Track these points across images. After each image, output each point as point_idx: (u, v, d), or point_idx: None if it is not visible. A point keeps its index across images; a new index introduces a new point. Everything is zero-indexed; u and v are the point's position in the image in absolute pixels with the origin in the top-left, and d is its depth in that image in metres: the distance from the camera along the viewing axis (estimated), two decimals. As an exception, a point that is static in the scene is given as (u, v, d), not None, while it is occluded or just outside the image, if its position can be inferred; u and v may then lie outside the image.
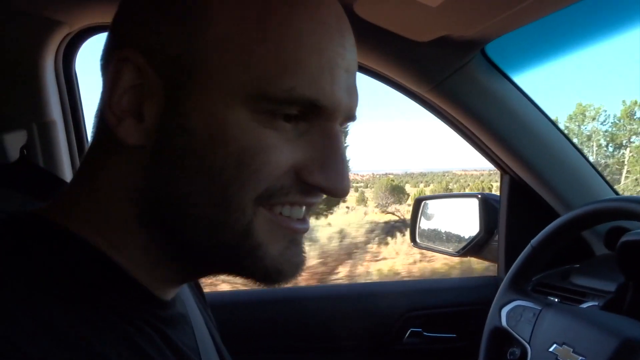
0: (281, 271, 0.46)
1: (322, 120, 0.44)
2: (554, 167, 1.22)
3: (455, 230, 1.65)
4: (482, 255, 1.59)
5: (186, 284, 0.62)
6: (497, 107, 1.16)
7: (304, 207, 0.47)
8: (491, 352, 1.02)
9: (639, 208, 0.82)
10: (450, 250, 1.64)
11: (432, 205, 1.70)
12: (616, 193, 1.28)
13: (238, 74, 0.41)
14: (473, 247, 1.53)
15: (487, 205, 1.48)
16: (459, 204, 1.64)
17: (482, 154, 1.33)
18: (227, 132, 0.41)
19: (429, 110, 1.25)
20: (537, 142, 1.20)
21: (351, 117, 0.48)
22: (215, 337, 0.62)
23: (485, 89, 1.15)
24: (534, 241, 1.00)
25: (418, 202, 1.71)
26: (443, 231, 1.68)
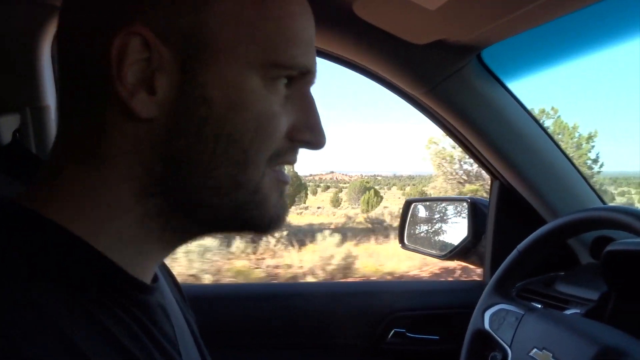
0: (279, 216, 0.52)
1: (303, 85, 0.51)
2: (543, 174, 1.23)
3: (443, 234, 1.66)
4: (468, 260, 1.60)
5: (163, 276, 0.63)
6: (490, 113, 1.17)
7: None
8: (473, 355, 1.03)
9: (624, 218, 0.83)
10: (437, 253, 1.66)
11: (421, 208, 1.71)
12: (603, 202, 1.30)
13: (249, 46, 0.46)
14: (460, 251, 1.55)
15: (476, 209, 1.49)
16: (448, 207, 1.65)
17: (473, 158, 1.34)
18: (245, 99, 0.46)
19: (423, 113, 1.26)
20: (528, 149, 1.21)
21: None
22: (194, 330, 0.63)
23: (480, 94, 1.16)
24: (520, 246, 1.01)
25: (408, 204, 1.72)
26: (431, 234, 1.70)
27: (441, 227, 1.67)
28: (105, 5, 0.45)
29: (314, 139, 0.52)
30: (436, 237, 1.68)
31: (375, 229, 15.49)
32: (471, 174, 19.76)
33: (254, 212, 0.50)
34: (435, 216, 1.69)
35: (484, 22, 0.94)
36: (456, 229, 1.60)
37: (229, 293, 1.44)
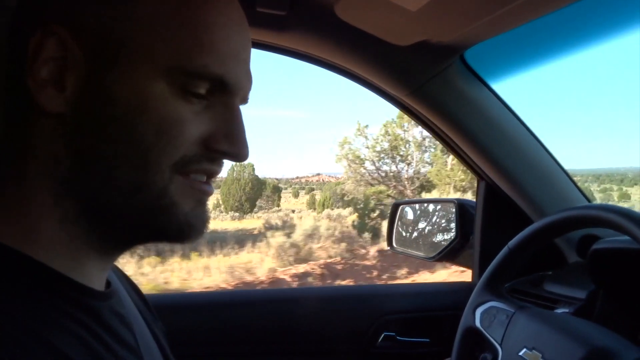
0: (193, 225, 0.51)
1: (225, 96, 0.52)
2: (528, 173, 1.23)
3: (431, 235, 1.65)
4: (457, 261, 1.60)
5: (124, 285, 0.63)
6: (474, 114, 1.17)
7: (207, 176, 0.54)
8: (463, 352, 1.02)
9: (610, 216, 0.83)
10: (425, 255, 1.65)
11: (409, 210, 1.71)
12: (588, 200, 1.30)
13: (160, 51, 0.47)
14: (448, 253, 1.54)
15: (464, 210, 1.49)
16: (436, 209, 1.65)
17: (459, 159, 1.34)
18: (149, 103, 0.47)
19: (407, 115, 1.26)
20: (513, 149, 1.21)
21: (246, 99, 0.56)
22: (160, 339, 0.63)
23: (464, 95, 1.15)
24: (511, 243, 1.00)
25: (395, 207, 1.71)
26: (419, 236, 1.69)
27: (429, 229, 1.67)
28: (26, 4, 0.48)
29: (233, 149, 0.52)
30: (424, 239, 1.67)
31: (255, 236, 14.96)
32: (389, 175, 19.36)
33: (161, 217, 0.50)
34: (424, 218, 1.69)
35: (465, 22, 0.94)
36: (444, 231, 1.59)
37: (211, 300, 1.42)
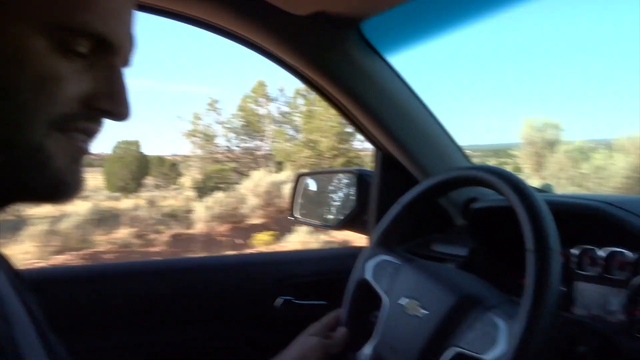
0: (66, 183, 0.51)
1: (107, 56, 0.52)
2: (421, 143, 1.32)
3: (333, 205, 1.72)
4: (357, 229, 1.68)
5: None
6: (370, 86, 1.23)
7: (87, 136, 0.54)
8: (354, 303, 1.08)
9: (483, 175, 0.91)
10: (327, 224, 1.72)
11: (311, 181, 1.76)
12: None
13: (39, 6, 0.47)
14: (349, 221, 1.61)
15: (362, 180, 1.56)
16: (338, 179, 1.71)
17: (357, 130, 1.40)
18: (26, 58, 0.46)
19: (306, 85, 1.29)
20: (407, 120, 1.28)
21: (128, 61, 0.56)
22: (35, 312, 0.61)
23: (360, 67, 1.20)
24: (402, 200, 1.06)
25: (298, 177, 1.76)
26: (321, 206, 1.75)
27: (331, 199, 1.73)
28: None
29: (114, 108, 0.53)
30: (326, 209, 1.74)
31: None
32: (244, 152, 18.82)
33: (32, 173, 0.49)
34: (325, 189, 1.75)
35: (360, -7, 0.98)
36: (345, 200, 1.66)
37: (107, 272, 1.39)
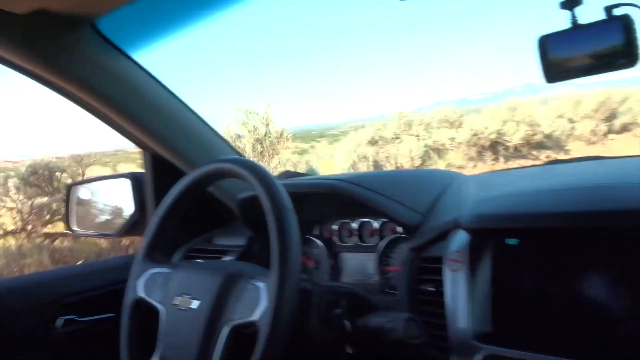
0: None
1: None
2: (182, 137, 1.31)
3: (112, 212, 1.62)
4: (141, 233, 1.61)
5: None
6: (118, 84, 1.17)
7: None
8: (132, 323, 1.04)
9: (229, 166, 0.94)
10: (109, 232, 1.62)
11: (85, 190, 1.64)
12: (237, 153, 1.46)
13: None
14: (131, 227, 1.54)
15: (137, 183, 1.50)
16: (112, 185, 1.62)
17: (119, 132, 1.33)
18: None
19: (51, 89, 1.18)
20: (163, 115, 1.26)
21: None
22: None
23: (102, 66, 1.14)
24: (158, 211, 1.05)
25: (70, 188, 1.62)
26: (100, 215, 1.64)
27: (109, 206, 1.63)
28: None
29: None
30: (106, 217, 1.63)
31: None
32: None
33: None
34: (102, 196, 1.64)
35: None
36: (124, 206, 1.58)
37: None
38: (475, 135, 11.29)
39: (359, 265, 1.26)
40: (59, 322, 1.30)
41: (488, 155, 11.40)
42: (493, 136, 11.26)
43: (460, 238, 0.96)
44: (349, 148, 11.70)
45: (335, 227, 1.29)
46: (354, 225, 1.25)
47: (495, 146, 11.40)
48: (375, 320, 0.96)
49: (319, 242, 1.31)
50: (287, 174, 1.48)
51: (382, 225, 1.21)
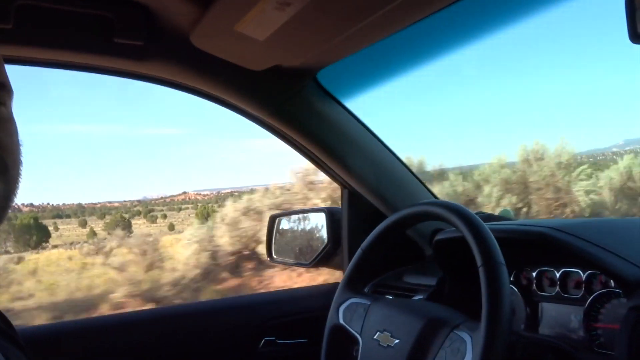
0: None
1: None
2: (382, 178, 1.39)
3: (307, 243, 1.76)
4: (331, 265, 1.72)
5: None
6: (330, 129, 1.30)
7: None
8: (331, 349, 1.12)
9: (439, 210, 0.98)
10: (303, 262, 1.76)
11: (285, 221, 1.81)
12: (435, 197, 1.49)
13: None
14: (322, 258, 1.66)
15: (333, 217, 1.61)
16: (309, 218, 1.76)
17: (322, 170, 1.46)
18: None
19: (271, 133, 1.35)
20: (366, 157, 1.36)
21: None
22: None
23: (319, 113, 1.28)
24: (363, 245, 1.13)
25: (272, 219, 1.80)
26: (296, 245, 1.79)
27: (304, 237, 1.77)
28: None
29: None
30: (301, 248, 1.78)
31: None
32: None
33: None
34: (299, 228, 1.79)
35: (310, 48, 1.06)
36: (318, 238, 1.71)
37: (92, 326, 1.40)
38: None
39: (561, 317, 1.19)
40: (263, 342, 1.45)
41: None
42: None
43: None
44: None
45: (533, 274, 1.24)
46: (556, 274, 1.19)
47: None
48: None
49: (515, 289, 1.27)
50: (481, 216, 1.47)
51: (590, 277, 1.13)
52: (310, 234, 1.76)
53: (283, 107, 1.25)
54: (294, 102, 1.25)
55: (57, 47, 0.98)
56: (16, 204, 0.61)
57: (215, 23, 0.95)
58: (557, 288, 1.19)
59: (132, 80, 1.16)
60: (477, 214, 1.55)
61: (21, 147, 0.59)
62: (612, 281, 1.09)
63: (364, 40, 1.08)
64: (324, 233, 1.66)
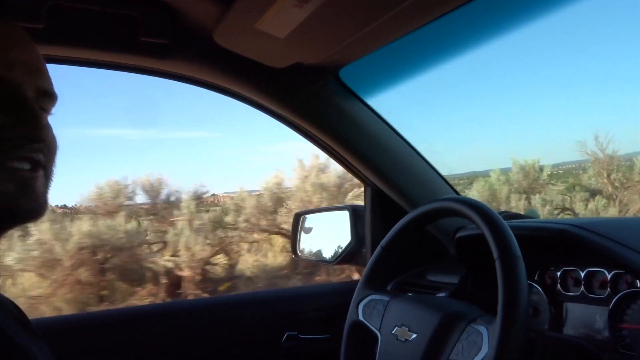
0: (12, 211, 0.58)
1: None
2: (405, 176, 1.39)
3: (331, 241, 1.77)
4: (355, 262, 1.73)
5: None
6: (353, 127, 1.31)
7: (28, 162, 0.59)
8: (351, 344, 1.13)
9: (456, 206, 0.98)
10: (327, 259, 1.77)
11: (309, 219, 1.82)
12: (457, 193, 1.48)
13: None
14: (346, 256, 1.66)
15: (356, 215, 1.62)
16: (333, 216, 1.77)
17: (345, 168, 1.47)
18: None
19: (293, 130, 1.37)
20: (390, 156, 1.36)
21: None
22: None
23: (342, 110, 1.29)
24: (382, 242, 1.13)
25: (297, 217, 1.82)
26: (321, 242, 1.81)
27: (328, 235, 1.79)
28: None
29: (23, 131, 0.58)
30: (324, 245, 1.79)
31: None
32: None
33: None
34: (323, 225, 1.81)
35: (330, 46, 1.06)
36: (342, 236, 1.72)
37: (126, 316, 1.45)
38: None
39: (585, 317, 1.16)
40: (285, 336, 1.46)
41: None
42: None
43: None
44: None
45: (558, 273, 1.22)
46: (581, 273, 1.17)
47: None
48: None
49: (539, 288, 1.25)
50: (505, 215, 1.45)
51: (616, 276, 1.11)
52: (333, 231, 1.77)
53: (305, 105, 1.27)
54: (317, 99, 1.26)
55: (84, 46, 1.02)
56: (50, 205, 0.65)
57: (236, 21, 0.97)
58: (582, 288, 1.17)
59: (158, 78, 1.20)
60: (502, 212, 1.54)
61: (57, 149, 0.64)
62: (638, 281, 1.06)
63: (383, 39, 1.08)
64: (347, 231, 1.67)
